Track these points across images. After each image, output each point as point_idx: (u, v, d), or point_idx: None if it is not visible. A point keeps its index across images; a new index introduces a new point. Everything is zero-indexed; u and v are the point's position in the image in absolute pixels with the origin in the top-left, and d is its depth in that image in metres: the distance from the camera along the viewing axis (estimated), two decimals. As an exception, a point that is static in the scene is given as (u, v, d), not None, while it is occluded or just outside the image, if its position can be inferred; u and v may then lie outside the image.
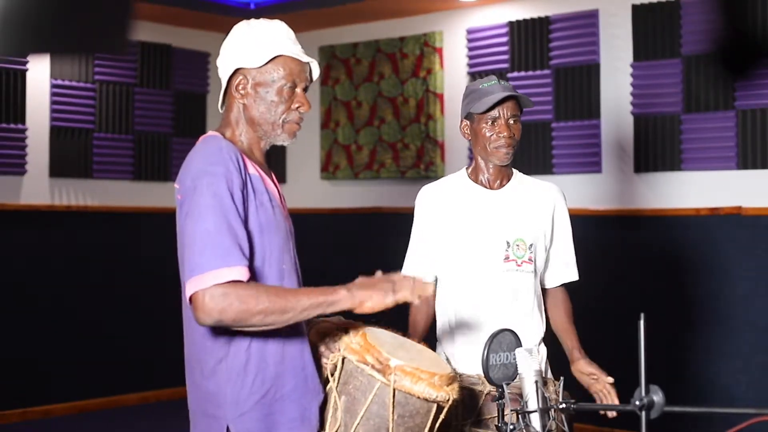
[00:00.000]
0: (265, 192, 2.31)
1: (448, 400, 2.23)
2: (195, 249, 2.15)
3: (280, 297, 2.14)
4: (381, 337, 2.34)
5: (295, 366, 2.29)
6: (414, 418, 2.22)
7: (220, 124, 2.43)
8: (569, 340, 3.12)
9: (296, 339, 2.32)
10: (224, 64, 2.40)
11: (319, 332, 2.44)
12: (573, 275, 3.20)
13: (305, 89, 2.41)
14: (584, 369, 3.01)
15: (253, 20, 2.43)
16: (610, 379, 2.96)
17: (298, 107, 2.39)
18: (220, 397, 2.25)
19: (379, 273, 2.30)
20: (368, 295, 2.18)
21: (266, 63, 2.35)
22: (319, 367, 2.35)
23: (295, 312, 2.15)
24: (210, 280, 2.11)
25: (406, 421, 2.21)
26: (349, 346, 2.28)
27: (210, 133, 2.39)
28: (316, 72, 2.44)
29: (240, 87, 2.37)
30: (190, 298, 2.14)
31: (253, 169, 2.31)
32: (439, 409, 2.26)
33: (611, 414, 2.97)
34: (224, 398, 2.24)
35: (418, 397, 2.20)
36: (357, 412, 2.23)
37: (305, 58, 2.40)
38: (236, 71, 2.37)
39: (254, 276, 2.24)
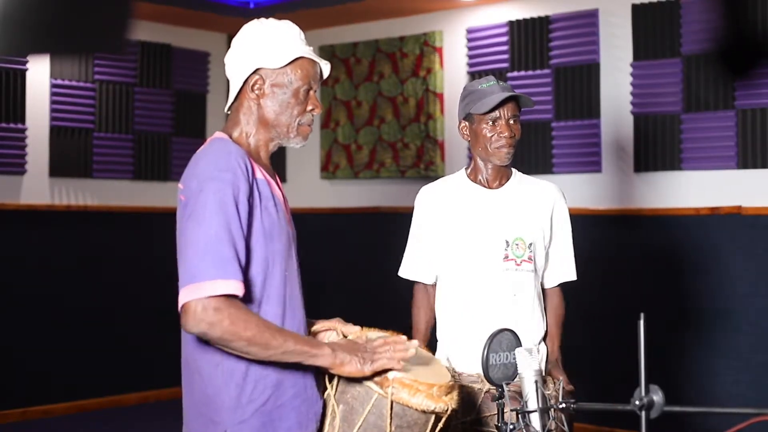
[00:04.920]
0: (270, 197, 2.29)
1: (447, 410, 2.22)
2: (195, 254, 2.13)
3: (268, 331, 2.14)
4: None
5: (294, 373, 2.28)
6: (412, 429, 2.22)
7: (227, 124, 2.41)
8: (550, 344, 3.16)
9: None
10: (240, 63, 2.37)
11: (318, 338, 2.43)
12: (570, 275, 3.21)
13: (315, 90, 2.41)
14: (553, 375, 3.06)
15: (264, 19, 2.42)
16: (569, 387, 3.02)
17: (311, 109, 2.39)
18: (218, 402, 2.23)
19: (357, 329, 2.38)
20: (349, 359, 2.19)
21: (286, 65, 2.34)
22: (317, 374, 2.34)
23: (277, 351, 2.15)
24: (205, 290, 2.09)
25: (404, 431, 2.21)
26: None
27: (217, 134, 2.37)
28: (326, 72, 2.44)
29: (256, 87, 2.35)
30: (183, 305, 2.12)
31: (260, 173, 2.29)
32: (438, 418, 2.25)
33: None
34: (223, 404, 2.23)
35: (416, 409, 2.19)
36: (354, 422, 2.22)
37: (320, 60, 2.40)
38: (253, 71, 2.35)
39: (256, 284, 2.23)
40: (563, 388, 3.01)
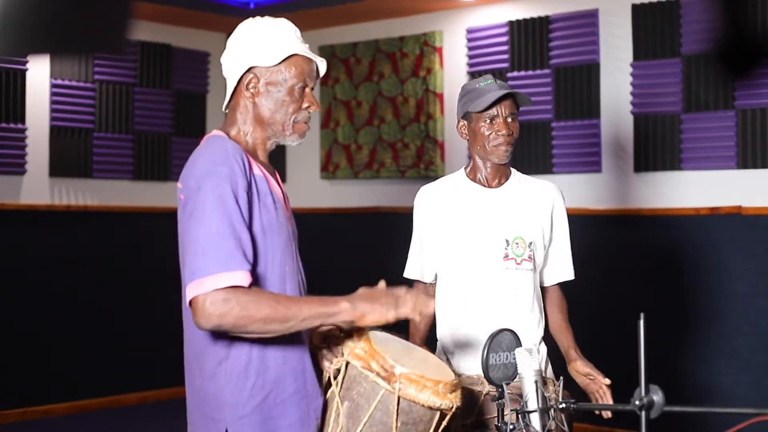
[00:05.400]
0: (269, 193, 2.29)
1: (452, 407, 2.22)
2: (197, 251, 2.13)
3: (281, 305, 2.12)
4: (386, 342, 2.32)
5: (295, 369, 2.28)
6: (417, 426, 2.22)
7: (225, 123, 2.41)
8: (565, 340, 3.11)
9: (297, 342, 2.30)
10: (234, 63, 2.37)
11: (322, 335, 2.42)
12: (569, 274, 3.20)
13: (312, 88, 2.41)
14: (581, 369, 3.00)
15: (259, 18, 2.42)
16: (608, 381, 2.96)
17: (307, 107, 2.39)
18: (219, 399, 2.24)
19: (382, 283, 2.27)
20: (370, 308, 2.17)
21: (279, 62, 2.34)
22: (318, 370, 2.34)
23: (296, 321, 2.13)
24: (211, 284, 2.09)
25: (409, 428, 2.21)
26: (353, 351, 2.26)
27: (214, 132, 2.37)
28: (322, 70, 2.44)
29: (251, 85, 2.35)
30: (190, 302, 2.12)
31: (258, 170, 2.29)
32: (442, 416, 2.25)
33: (606, 414, 2.97)
34: (224, 401, 2.23)
35: (423, 405, 2.19)
36: (360, 418, 2.22)
37: (315, 58, 2.40)
38: (247, 69, 2.36)
39: (257, 278, 2.23)
40: (600, 381, 2.98)
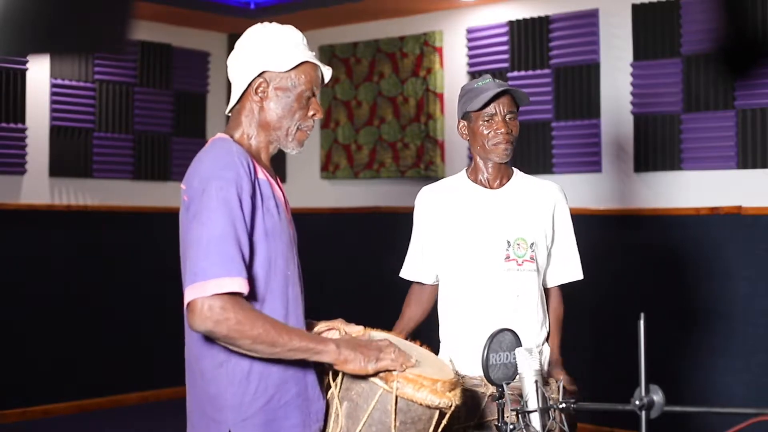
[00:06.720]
0: (272, 197, 2.31)
1: (451, 406, 2.23)
2: (199, 253, 2.14)
3: (274, 330, 2.15)
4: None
5: (297, 373, 2.29)
6: (416, 425, 2.22)
7: (229, 125, 2.42)
8: (550, 344, 3.14)
9: None
10: (245, 66, 2.38)
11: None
12: (576, 274, 3.20)
13: (316, 96, 2.43)
14: (554, 375, 3.06)
15: (267, 24, 2.44)
16: (572, 388, 3.01)
17: (313, 114, 2.41)
18: (221, 401, 2.24)
19: (360, 329, 2.40)
20: (354, 356, 2.21)
21: (291, 69, 2.36)
22: (319, 372, 2.35)
23: (283, 349, 2.16)
24: (211, 288, 2.10)
25: (408, 427, 2.21)
26: None
27: (219, 135, 2.39)
28: (327, 77, 2.46)
29: (260, 89, 2.36)
30: (188, 304, 2.13)
31: (261, 174, 2.31)
32: (442, 414, 2.26)
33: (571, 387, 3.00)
34: (226, 402, 2.24)
35: (421, 404, 2.19)
36: (359, 419, 2.23)
37: (322, 66, 2.42)
38: (258, 74, 2.37)
39: (260, 283, 2.24)
40: (564, 388, 3.00)
